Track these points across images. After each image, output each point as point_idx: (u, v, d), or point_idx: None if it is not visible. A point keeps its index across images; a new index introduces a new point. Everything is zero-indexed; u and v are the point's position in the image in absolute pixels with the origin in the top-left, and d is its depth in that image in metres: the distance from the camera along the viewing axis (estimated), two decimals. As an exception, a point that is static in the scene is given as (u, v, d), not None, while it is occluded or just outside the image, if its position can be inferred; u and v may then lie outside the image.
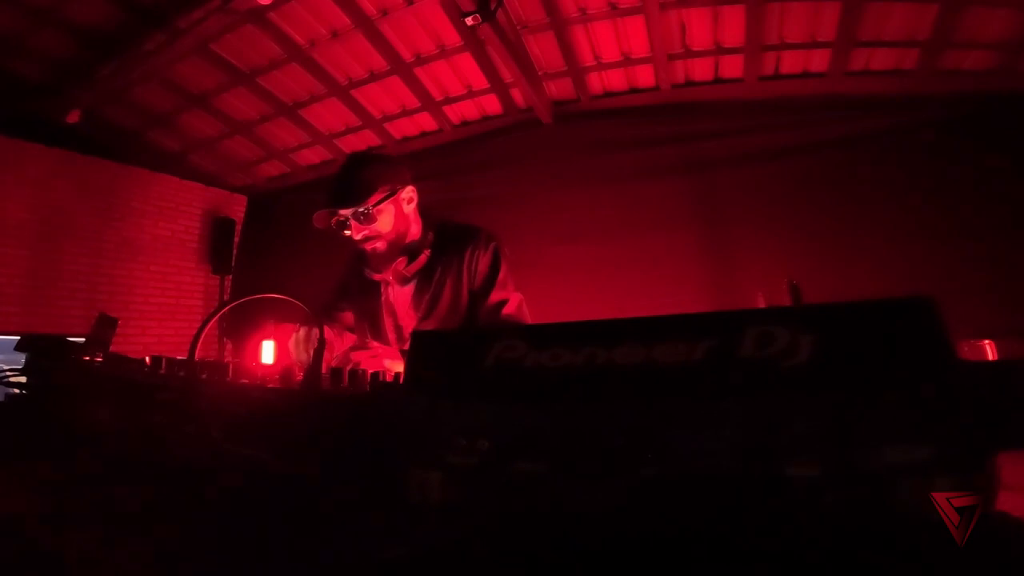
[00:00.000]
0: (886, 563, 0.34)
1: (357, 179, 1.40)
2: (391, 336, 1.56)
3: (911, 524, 0.34)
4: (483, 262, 1.46)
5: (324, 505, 0.56)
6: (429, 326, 1.48)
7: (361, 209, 1.37)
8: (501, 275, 1.46)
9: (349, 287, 1.68)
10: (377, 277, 1.55)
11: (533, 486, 0.44)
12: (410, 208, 1.49)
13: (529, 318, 1.46)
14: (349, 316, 1.66)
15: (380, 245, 1.44)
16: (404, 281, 1.52)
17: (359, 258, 1.61)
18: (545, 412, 0.46)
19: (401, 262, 1.49)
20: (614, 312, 0.55)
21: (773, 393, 0.40)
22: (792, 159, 3.23)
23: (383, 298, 1.57)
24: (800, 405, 0.39)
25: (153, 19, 3.22)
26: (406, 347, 1.33)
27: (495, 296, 1.43)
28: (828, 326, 0.41)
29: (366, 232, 1.41)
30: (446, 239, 1.52)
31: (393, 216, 1.43)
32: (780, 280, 0.82)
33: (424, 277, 1.50)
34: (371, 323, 1.59)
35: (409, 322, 1.53)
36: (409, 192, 1.47)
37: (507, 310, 1.42)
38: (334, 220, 1.42)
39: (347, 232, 1.43)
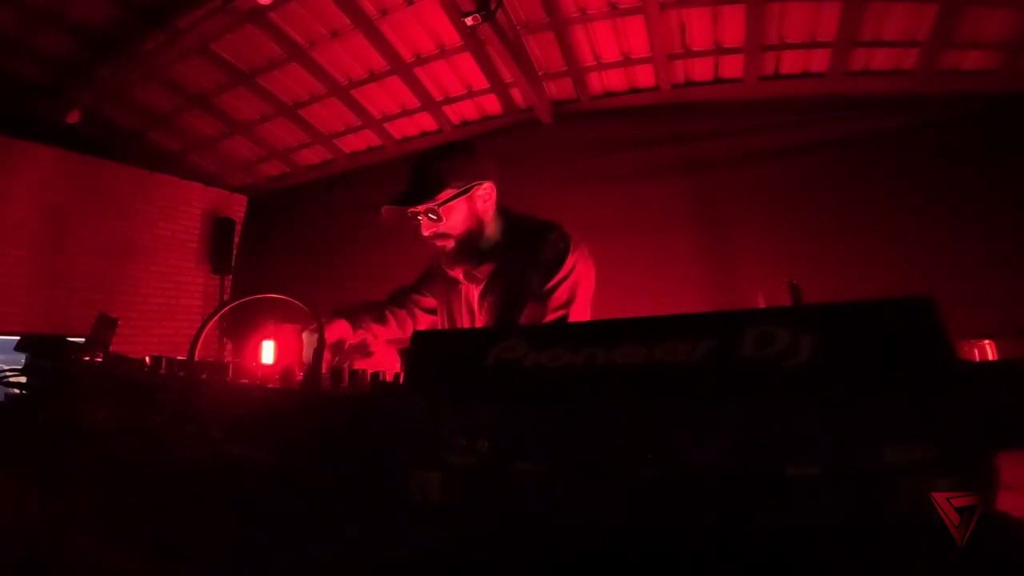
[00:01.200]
0: (886, 563, 0.34)
1: (427, 174, 1.32)
2: None
3: (911, 524, 0.34)
4: (545, 274, 1.30)
5: (324, 505, 0.56)
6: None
7: (428, 207, 1.29)
8: (561, 291, 1.29)
9: (434, 275, 1.58)
10: (452, 273, 1.45)
11: (533, 486, 0.44)
12: (487, 206, 1.38)
13: None
14: (430, 301, 1.59)
15: (449, 244, 1.35)
16: (477, 282, 1.42)
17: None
18: (545, 412, 0.46)
19: (474, 263, 1.38)
20: (614, 312, 0.55)
21: (773, 393, 0.40)
22: (792, 159, 3.23)
23: (463, 295, 1.49)
24: (800, 405, 0.39)
25: (153, 19, 3.22)
26: None
27: (553, 307, 1.27)
28: (828, 326, 0.41)
29: (435, 230, 1.33)
30: (517, 238, 1.40)
31: (465, 215, 1.34)
32: (780, 280, 0.82)
33: (491, 282, 1.40)
34: (449, 316, 1.52)
35: (468, 321, 1.45)
36: (486, 189, 1.36)
37: (554, 315, 1.27)
38: (412, 216, 1.34)
39: (424, 232, 1.36)
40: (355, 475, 0.56)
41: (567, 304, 1.28)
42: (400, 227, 1.38)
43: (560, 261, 1.30)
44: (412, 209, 1.31)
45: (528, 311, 1.29)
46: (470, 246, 1.36)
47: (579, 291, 1.31)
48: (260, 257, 5.32)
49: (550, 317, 1.26)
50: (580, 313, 1.30)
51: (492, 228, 1.40)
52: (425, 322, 1.59)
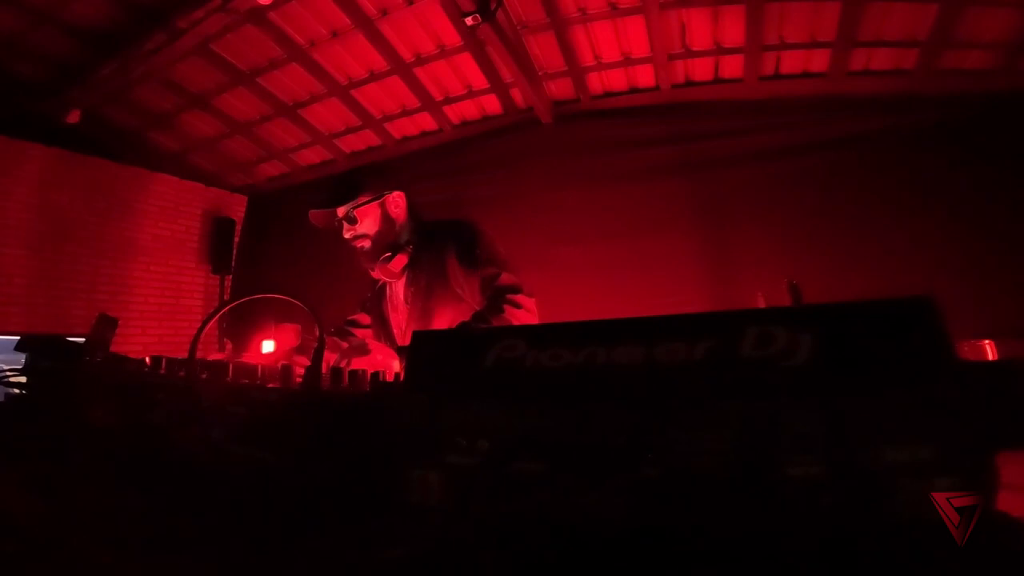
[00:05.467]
0: (886, 563, 0.34)
1: (346, 186, 1.59)
2: (395, 332, 1.68)
3: (911, 524, 0.34)
4: (462, 249, 1.54)
5: (324, 505, 0.56)
6: (422, 322, 1.56)
7: (346, 211, 1.55)
8: (482, 253, 1.52)
9: (369, 297, 1.82)
10: (374, 275, 1.68)
11: (533, 486, 0.44)
12: (397, 211, 1.63)
13: (531, 295, 1.48)
14: (365, 318, 1.80)
15: (366, 243, 1.59)
16: (395, 278, 1.64)
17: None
18: (545, 412, 0.46)
19: (385, 259, 1.60)
20: (614, 312, 0.55)
21: (773, 393, 0.40)
22: (792, 159, 3.23)
23: (386, 297, 1.72)
24: (800, 405, 0.39)
25: (153, 19, 3.22)
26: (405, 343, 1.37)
27: (484, 272, 1.49)
28: (828, 326, 0.41)
29: (353, 232, 1.58)
30: (427, 236, 1.63)
31: (378, 217, 1.59)
32: (780, 280, 0.82)
33: (411, 274, 1.62)
34: (380, 322, 1.73)
35: (402, 318, 1.64)
36: (396, 197, 1.63)
37: (501, 281, 1.47)
38: (334, 220, 1.60)
39: (345, 235, 1.59)
40: (355, 475, 0.56)
41: (506, 262, 1.52)
42: (328, 230, 1.63)
43: (477, 234, 1.57)
44: (338, 211, 1.56)
45: (469, 283, 1.50)
46: (384, 244, 1.60)
47: (499, 256, 1.54)
48: (260, 257, 5.32)
49: (505, 276, 1.47)
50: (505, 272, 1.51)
51: (404, 229, 1.65)
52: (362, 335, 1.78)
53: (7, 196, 3.93)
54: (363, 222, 1.57)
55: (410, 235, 1.64)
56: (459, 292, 1.54)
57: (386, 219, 1.60)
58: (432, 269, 1.57)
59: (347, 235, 1.59)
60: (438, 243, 1.58)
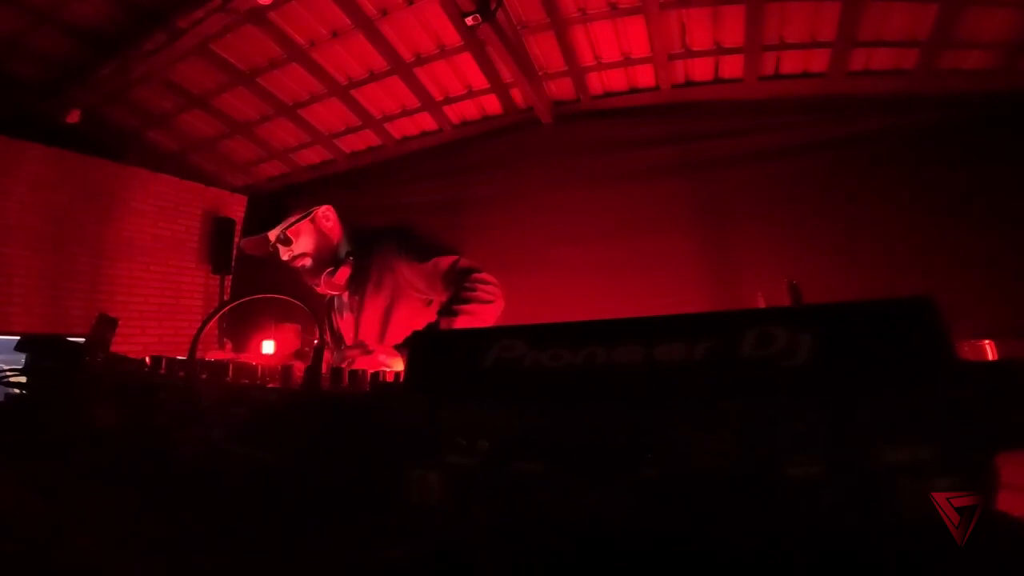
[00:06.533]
0: (886, 563, 0.34)
1: (274, 210, 1.62)
2: (347, 342, 1.68)
3: (911, 524, 0.34)
4: (405, 245, 1.55)
5: (324, 505, 0.56)
6: (378, 325, 1.58)
7: (279, 232, 1.57)
8: (429, 245, 1.54)
9: (324, 316, 1.83)
10: (320, 291, 1.69)
11: (533, 486, 0.44)
12: (329, 224, 1.65)
13: (490, 274, 1.49)
14: (325, 330, 1.79)
15: (307, 262, 1.61)
16: (340, 289, 1.65)
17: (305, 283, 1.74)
18: (545, 412, 0.46)
19: (329, 273, 1.61)
20: (614, 312, 0.55)
21: (773, 393, 0.40)
22: (792, 159, 3.23)
23: (334, 308, 1.74)
24: (800, 405, 0.39)
25: (153, 19, 3.22)
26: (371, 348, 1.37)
27: (440, 261, 1.49)
28: (828, 326, 0.41)
29: (291, 252, 1.60)
30: (365, 243, 1.64)
31: (312, 234, 1.62)
32: (780, 280, 0.82)
33: (358, 283, 1.63)
34: (332, 334, 1.75)
35: (350, 327, 1.65)
36: (325, 211, 1.65)
37: (463, 264, 1.48)
38: (269, 246, 1.62)
39: (283, 257, 1.61)
40: (355, 475, 0.56)
41: (454, 250, 1.52)
42: (265, 257, 1.65)
43: (416, 230, 1.59)
44: (270, 235, 1.57)
45: (422, 275, 1.51)
46: (323, 257, 1.62)
47: (436, 244, 1.55)
48: (260, 257, 5.31)
49: (463, 260, 1.48)
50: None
51: (341, 241, 1.66)
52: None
53: (7, 196, 3.93)
54: (298, 241, 1.59)
55: (348, 245, 1.66)
56: (410, 290, 1.55)
57: (320, 234, 1.63)
58: (379, 273, 1.58)
59: (285, 257, 1.61)
60: (379, 248, 1.59)
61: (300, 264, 1.61)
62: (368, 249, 1.62)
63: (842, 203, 3.06)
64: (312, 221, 1.62)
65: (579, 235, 3.68)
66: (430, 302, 1.57)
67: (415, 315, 1.52)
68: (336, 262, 1.63)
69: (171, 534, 0.55)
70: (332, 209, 1.67)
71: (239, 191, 5.45)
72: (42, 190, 4.10)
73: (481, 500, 0.45)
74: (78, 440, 0.86)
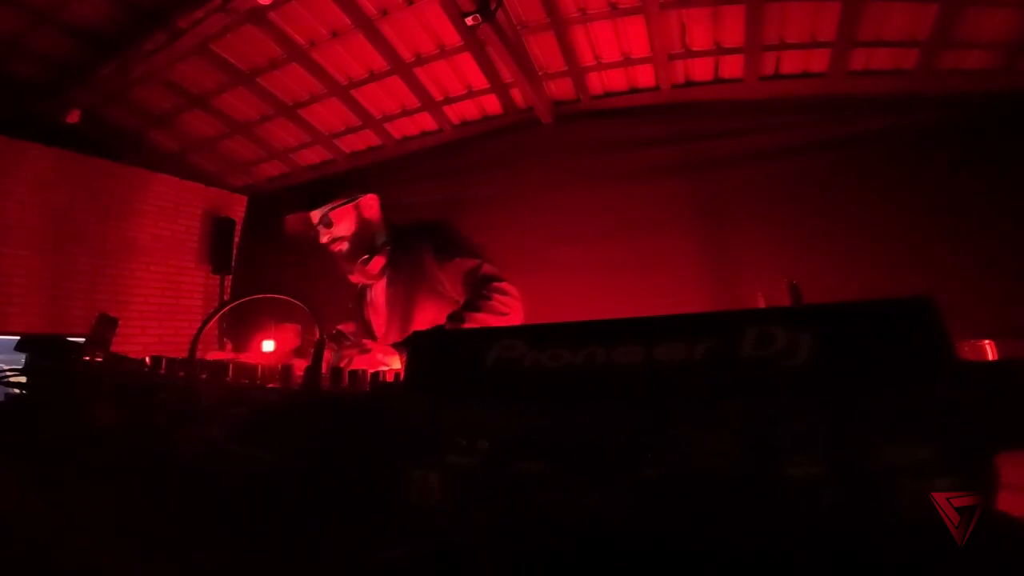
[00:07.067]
0: (886, 563, 0.34)
1: (320, 191, 1.65)
2: (377, 335, 1.70)
3: (911, 524, 0.34)
4: (438, 244, 1.57)
5: (324, 505, 0.56)
6: (403, 322, 1.58)
7: (322, 214, 1.60)
8: (459, 246, 1.55)
9: (351, 307, 1.85)
10: (353, 279, 1.71)
11: (533, 486, 0.44)
12: (372, 213, 1.67)
13: (512, 285, 1.49)
14: (350, 326, 1.81)
15: (343, 246, 1.63)
16: (374, 279, 1.66)
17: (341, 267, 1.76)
18: (545, 412, 0.46)
19: (364, 261, 1.63)
20: (614, 312, 0.55)
21: (773, 393, 0.40)
22: (792, 159, 3.23)
23: (366, 299, 1.75)
24: (800, 405, 0.39)
25: (153, 19, 3.21)
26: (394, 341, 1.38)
27: (464, 263, 1.51)
28: (828, 326, 0.41)
29: (330, 235, 1.62)
30: (403, 237, 1.66)
31: (353, 219, 1.63)
32: (780, 280, 0.82)
33: (391, 275, 1.65)
34: (363, 325, 1.75)
35: (382, 320, 1.66)
36: (369, 199, 1.66)
37: (484, 271, 1.49)
38: (310, 226, 1.65)
39: (322, 239, 1.63)
40: (355, 475, 0.56)
41: (484, 254, 1.54)
42: (305, 237, 1.69)
43: (452, 230, 1.61)
44: (312, 216, 1.60)
45: (448, 276, 1.52)
46: (361, 245, 1.63)
47: (471, 248, 1.56)
48: (260, 257, 5.32)
49: (486, 266, 1.49)
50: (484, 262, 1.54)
51: (380, 232, 1.68)
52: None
53: (7, 196, 3.93)
54: (338, 225, 1.61)
55: (386, 236, 1.68)
56: (439, 288, 1.55)
57: (361, 221, 1.64)
58: (411, 268, 1.59)
59: (324, 239, 1.63)
60: (414, 242, 1.61)
61: (337, 248, 1.63)
62: (404, 242, 1.64)
63: (842, 203, 3.05)
64: (356, 207, 1.63)
65: (579, 235, 3.67)
66: (457, 302, 1.55)
67: (442, 313, 1.50)
68: (372, 251, 1.64)
69: (171, 534, 0.55)
70: (376, 198, 1.68)
71: (239, 191, 5.45)
72: (42, 190, 4.10)
73: (481, 500, 0.45)
74: (78, 440, 0.86)
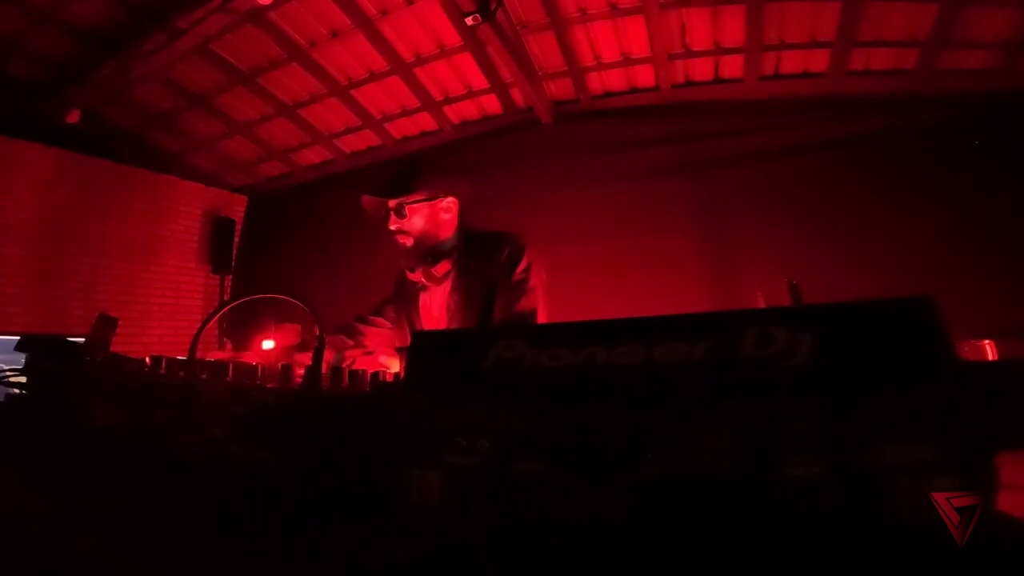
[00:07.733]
0: (886, 563, 0.34)
1: (406, 177, 1.56)
2: None
3: (911, 524, 0.34)
4: (509, 264, 1.49)
5: (324, 505, 0.56)
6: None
7: (397, 203, 1.52)
8: (530, 282, 1.47)
9: (396, 292, 1.76)
10: (412, 276, 1.63)
11: (533, 486, 0.44)
12: (447, 217, 1.59)
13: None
14: (383, 321, 1.73)
15: (408, 241, 1.55)
16: (436, 282, 1.59)
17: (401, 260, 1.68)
18: (545, 412, 0.46)
19: (430, 263, 1.57)
20: (614, 312, 0.55)
21: (773, 393, 0.40)
22: (792, 159, 3.23)
23: (420, 300, 1.65)
24: (800, 405, 0.39)
25: (153, 19, 3.22)
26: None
27: (524, 304, 1.43)
28: (828, 326, 0.41)
29: (399, 225, 1.54)
30: (474, 246, 1.59)
31: (426, 218, 1.55)
32: (780, 280, 0.82)
33: (457, 283, 1.57)
34: (408, 323, 1.67)
35: (439, 326, 1.57)
36: (449, 203, 1.59)
37: (520, 307, 1.43)
38: (383, 209, 1.56)
39: (390, 226, 1.55)
40: (355, 475, 0.56)
41: (535, 289, 1.47)
42: (375, 216, 1.60)
43: (520, 254, 1.51)
44: (389, 201, 1.53)
45: (500, 299, 1.43)
46: (426, 247, 1.56)
47: (540, 282, 1.49)
48: (260, 257, 5.32)
49: (523, 301, 1.43)
50: (544, 308, 1.47)
51: (450, 236, 1.60)
52: (371, 341, 1.72)
53: (7, 196, 3.93)
54: (411, 218, 1.53)
55: (456, 242, 1.60)
56: (494, 302, 1.47)
57: (434, 221, 1.56)
58: (480, 280, 1.51)
59: (392, 226, 1.55)
60: (489, 255, 1.53)
61: (401, 240, 1.55)
62: (477, 252, 1.57)
63: (842, 203, 3.05)
64: (433, 207, 1.56)
65: (579, 235, 3.67)
66: None
67: None
68: (438, 254, 1.57)
69: (171, 534, 0.55)
70: (456, 202, 1.60)
71: (239, 191, 5.45)
72: (42, 190, 4.10)
73: (481, 500, 0.45)
74: (78, 440, 0.86)
